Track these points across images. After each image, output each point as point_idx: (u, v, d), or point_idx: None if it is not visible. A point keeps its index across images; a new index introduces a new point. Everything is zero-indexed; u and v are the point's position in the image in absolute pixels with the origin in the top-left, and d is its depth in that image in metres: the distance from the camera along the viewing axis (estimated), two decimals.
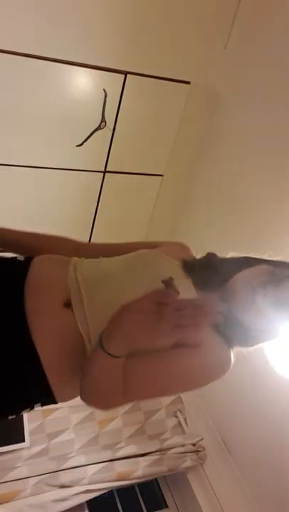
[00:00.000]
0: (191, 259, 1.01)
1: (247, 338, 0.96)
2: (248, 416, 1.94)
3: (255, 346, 0.99)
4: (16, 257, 0.99)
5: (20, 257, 0.98)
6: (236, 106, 2.00)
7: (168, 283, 0.77)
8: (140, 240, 1.12)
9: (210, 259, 1.01)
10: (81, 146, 1.97)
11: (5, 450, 1.74)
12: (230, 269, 0.96)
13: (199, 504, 1.90)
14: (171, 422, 2.16)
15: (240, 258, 1.01)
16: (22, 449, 1.78)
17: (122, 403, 0.87)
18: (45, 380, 0.85)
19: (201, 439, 2.05)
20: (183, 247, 1.07)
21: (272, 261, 0.99)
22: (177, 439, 2.01)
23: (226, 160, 2.10)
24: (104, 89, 1.85)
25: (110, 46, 1.77)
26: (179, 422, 2.15)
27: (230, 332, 0.92)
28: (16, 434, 1.79)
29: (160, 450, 1.96)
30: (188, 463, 1.95)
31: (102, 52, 1.77)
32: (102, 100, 1.87)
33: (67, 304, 0.87)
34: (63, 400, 0.92)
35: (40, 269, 0.95)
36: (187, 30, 1.85)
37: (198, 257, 1.04)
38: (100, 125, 1.94)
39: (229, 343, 0.93)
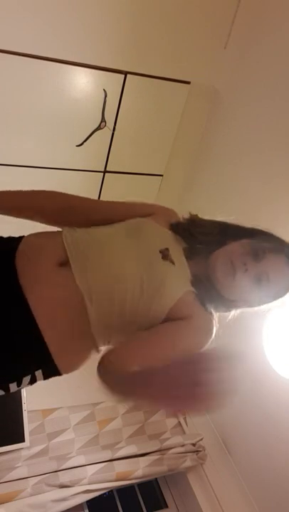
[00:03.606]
0: (179, 226, 1.03)
1: (223, 305, 1.00)
2: (248, 416, 1.94)
3: (230, 312, 1.03)
4: (10, 236, 1.00)
5: (15, 236, 1.00)
6: (236, 106, 2.00)
7: (165, 253, 0.89)
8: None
9: (194, 219, 1.05)
10: (81, 146, 1.97)
11: (5, 450, 1.74)
12: (215, 239, 1.00)
13: (199, 504, 1.90)
14: (171, 422, 2.15)
15: (225, 225, 1.04)
16: (22, 449, 1.78)
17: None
18: (43, 345, 0.84)
19: (201, 439, 2.05)
20: (174, 214, 1.10)
21: (256, 232, 1.02)
22: (177, 439, 2.01)
23: (225, 160, 2.10)
24: (104, 89, 1.85)
25: (110, 46, 1.77)
26: (179, 422, 2.15)
27: (207, 298, 0.96)
28: (16, 434, 1.79)
29: (160, 450, 1.95)
30: (188, 463, 1.95)
31: (102, 52, 1.77)
32: (102, 100, 1.87)
33: (63, 263, 0.87)
34: (65, 369, 0.90)
35: (32, 240, 0.96)
36: (187, 30, 1.85)
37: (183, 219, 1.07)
38: (99, 125, 1.94)
39: (205, 306, 0.96)
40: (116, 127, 1.98)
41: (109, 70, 1.81)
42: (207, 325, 0.94)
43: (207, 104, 2.09)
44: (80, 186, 2.14)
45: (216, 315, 0.98)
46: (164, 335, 0.89)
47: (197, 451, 2.01)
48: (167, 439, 2.01)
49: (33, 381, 0.90)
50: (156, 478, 2.10)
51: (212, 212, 1.07)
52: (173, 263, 0.92)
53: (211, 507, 1.88)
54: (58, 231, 0.98)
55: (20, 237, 0.98)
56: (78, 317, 0.85)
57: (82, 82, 1.81)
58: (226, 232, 1.01)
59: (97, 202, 1.15)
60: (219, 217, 1.06)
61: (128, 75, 1.85)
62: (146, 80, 1.90)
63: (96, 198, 2.22)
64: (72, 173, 2.06)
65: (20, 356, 0.86)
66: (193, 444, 2.02)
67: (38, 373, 0.88)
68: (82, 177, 2.10)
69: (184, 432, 2.11)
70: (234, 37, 1.91)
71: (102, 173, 2.14)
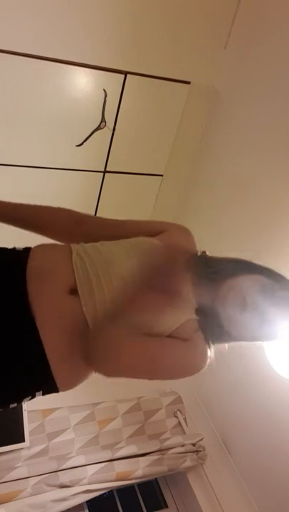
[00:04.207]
0: (192, 257, 1.01)
1: (219, 337, 0.99)
2: (247, 416, 1.94)
3: (225, 344, 1.03)
4: (14, 248, 1.00)
5: (19, 248, 0.99)
6: (236, 106, 2.00)
7: None
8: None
9: (208, 259, 1.02)
10: (81, 146, 1.97)
11: (5, 450, 1.74)
12: (227, 270, 0.98)
13: (199, 504, 1.90)
14: (171, 422, 2.15)
15: (236, 261, 1.02)
16: (22, 449, 1.78)
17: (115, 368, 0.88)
18: (47, 367, 0.86)
19: (201, 439, 2.05)
20: (186, 236, 1.07)
21: (267, 270, 1.01)
22: (177, 439, 2.01)
23: (225, 160, 2.10)
24: (104, 89, 1.85)
25: (110, 46, 1.77)
26: (179, 422, 2.15)
27: (207, 328, 0.96)
28: (16, 434, 1.79)
29: (160, 450, 1.95)
30: (188, 463, 1.95)
31: (102, 52, 1.77)
32: (102, 100, 1.88)
33: (72, 291, 0.88)
34: (64, 387, 0.92)
35: (41, 256, 0.95)
36: (187, 30, 1.85)
37: (198, 253, 1.05)
38: (99, 125, 1.94)
39: (205, 336, 0.96)
40: (116, 127, 1.98)
41: (109, 70, 1.81)
42: (205, 352, 0.96)
43: (207, 104, 2.09)
44: (80, 186, 2.14)
45: (212, 347, 0.98)
46: (166, 344, 0.92)
47: (197, 451, 2.01)
48: (167, 439, 2.01)
49: (31, 399, 0.94)
50: (156, 478, 2.10)
51: (213, 213, 1.07)
52: None
53: (211, 507, 1.88)
54: (66, 248, 0.98)
55: (27, 249, 0.98)
56: (81, 338, 0.88)
57: (82, 82, 1.81)
58: (239, 266, 1.00)
59: (105, 222, 1.12)
60: (232, 254, 1.04)
61: (128, 75, 1.85)
62: (146, 80, 1.90)
63: (96, 198, 2.22)
64: (72, 173, 2.06)
65: (24, 381, 0.89)
66: (193, 444, 2.02)
67: (39, 393, 0.92)
68: (82, 177, 2.10)
69: (184, 432, 2.11)
70: (234, 37, 1.91)
71: (102, 173, 2.14)
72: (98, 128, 1.95)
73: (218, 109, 2.08)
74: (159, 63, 1.89)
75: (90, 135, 1.96)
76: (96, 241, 1.02)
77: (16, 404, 0.93)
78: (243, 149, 1.96)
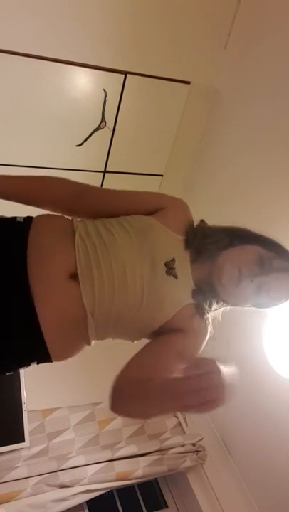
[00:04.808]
0: (191, 232, 1.01)
1: (217, 303, 1.02)
2: (247, 416, 1.94)
3: (221, 308, 1.05)
4: (15, 218, 0.97)
5: (20, 218, 0.97)
6: (236, 106, 2.00)
7: (169, 266, 0.91)
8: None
9: (205, 229, 1.02)
10: (81, 146, 1.97)
11: (5, 450, 1.74)
12: (224, 240, 0.99)
13: (199, 504, 1.90)
14: (171, 422, 2.15)
15: (234, 230, 1.03)
16: (22, 449, 1.78)
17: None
18: (44, 344, 0.88)
19: (201, 439, 2.05)
20: (185, 212, 1.06)
21: (264, 239, 1.01)
22: (177, 439, 2.01)
23: (225, 160, 2.10)
24: (104, 89, 1.85)
25: (110, 46, 1.77)
26: (179, 422, 2.15)
27: (204, 298, 0.99)
28: (16, 434, 1.79)
29: (160, 450, 1.95)
30: (188, 463, 1.95)
31: (102, 52, 1.77)
32: (102, 100, 1.88)
33: (73, 276, 0.88)
34: (57, 358, 0.94)
35: (43, 233, 0.93)
36: (187, 30, 1.85)
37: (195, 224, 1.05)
38: (99, 125, 1.94)
39: (202, 308, 0.98)
40: (116, 127, 1.98)
41: (109, 70, 1.81)
42: (203, 334, 0.98)
43: (207, 104, 2.09)
44: None
45: (210, 314, 1.00)
46: (169, 350, 0.94)
47: (197, 451, 2.01)
48: (167, 439, 2.01)
49: (27, 367, 0.95)
50: (156, 478, 2.10)
51: (213, 213, 1.07)
52: (176, 277, 0.93)
53: (211, 507, 1.88)
54: (68, 226, 0.96)
55: (28, 220, 0.96)
56: (78, 324, 0.90)
57: (82, 82, 1.81)
58: (235, 236, 1.00)
59: (107, 192, 1.10)
60: (228, 223, 1.05)
61: (128, 75, 1.85)
62: (146, 80, 1.90)
63: None
64: (72, 173, 2.06)
65: (20, 354, 0.91)
66: (193, 444, 2.02)
67: (33, 363, 0.93)
68: (82, 177, 2.10)
69: (184, 432, 2.11)
70: (234, 37, 1.91)
71: (102, 173, 2.14)
72: (98, 128, 1.95)
73: (218, 109, 2.08)
74: (159, 63, 1.89)
75: (90, 135, 1.96)
76: (98, 213, 1.01)
77: (11, 373, 0.95)
78: (243, 149, 1.96)
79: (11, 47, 1.62)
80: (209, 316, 1.00)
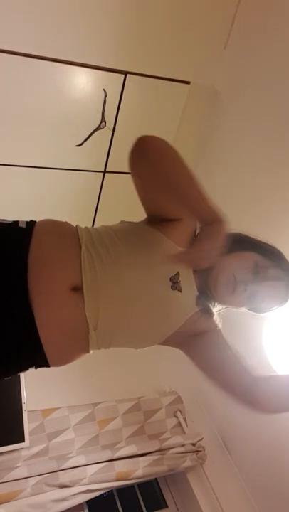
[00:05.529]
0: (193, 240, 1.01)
1: (215, 305, 1.06)
2: (247, 416, 1.93)
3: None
4: (17, 222, 0.95)
5: (22, 223, 0.94)
6: (236, 105, 2.00)
7: (174, 281, 0.93)
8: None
9: None
10: (81, 146, 1.97)
11: (5, 450, 1.74)
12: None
13: (199, 504, 1.90)
14: (171, 421, 2.15)
15: (232, 236, 1.01)
16: (22, 449, 1.78)
17: None
18: (42, 351, 0.87)
19: (201, 439, 2.05)
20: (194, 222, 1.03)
21: (264, 247, 1.03)
22: (177, 439, 2.01)
23: (225, 160, 2.10)
24: (104, 89, 1.85)
25: (110, 46, 1.77)
26: (179, 422, 2.15)
27: (208, 300, 1.02)
28: (16, 434, 1.79)
29: (160, 450, 1.95)
30: (188, 463, 1.95)
31: (102, 52, 1.77)
32: (102, 100, 1.87)
33: (76, 289, 0.86)
34: (55, 364, 0.94)
35: (46, 240, 0.91)
36: (187, 30, 1.85)
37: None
38: (99, 125, 1.94)
39: (206, 308, 1.02)
40: (116, 127, 1.98)
41: (109, 70, 1.81)
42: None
43: (207, 104, 2.09)
44: (80, 186, 2.14)
45: (216, 312, 1.04)
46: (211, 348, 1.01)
47: (197, 451, 2.01)
48: (167, 439, 2.01)
49: (24, 371, 0.96)
50: (156, 478, 2.10)
51: None
52: (180, 291, 0.94)
53: (211, 507, 1.88)
54: (74, 233, 0.94)
55: (30, 226, 0.93)
56: (79, 336, 0.90)
57: (82, 82, 1.81)
58: (235, 242, 1.00)
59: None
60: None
61: (128, 75, 1.85)
62: (146, 79, 1.90)
63: (96, 198, 2.22)
64: (72, 173, 2.06)
65: (19, 360, 0.91)
66: (193, 444, 2.02)
67: (31, 368, 0.94)
68: (82, 177, 2.10)
69: (184, 432, 2.11)
70: (234, 37, 1.91)
71: (102, 173, 2.14)
72: (98, 128, 1.95)
73: (218, 109, 2.08)
74: (159, 63, 1.89)
75: (90, 135, 1.96)
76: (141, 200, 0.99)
77: (10, 377, 0.96)
78: (243, 149, 1.96)
79: (11, 47, 1.62)
80: (216, 314, 1.04)
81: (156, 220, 0.99)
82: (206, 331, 1.01)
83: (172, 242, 0.95)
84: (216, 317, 1.04)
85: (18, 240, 0.89)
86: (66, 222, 0.99)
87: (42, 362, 0.90)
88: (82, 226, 0.99)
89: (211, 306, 1.03)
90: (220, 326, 1.04)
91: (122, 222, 1.07)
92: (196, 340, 0.99)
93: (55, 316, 0.86)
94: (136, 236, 0.96)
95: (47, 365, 0.92)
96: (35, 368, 0.93)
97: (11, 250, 0.87)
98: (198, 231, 1.00)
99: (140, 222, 1.04)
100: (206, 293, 1.00)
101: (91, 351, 0.94)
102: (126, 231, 0.97)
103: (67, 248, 0.90)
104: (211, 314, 1.02)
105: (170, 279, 0.93)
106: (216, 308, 1.05)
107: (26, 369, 0.93)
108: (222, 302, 1.02)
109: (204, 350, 1.00)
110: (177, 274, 0.95)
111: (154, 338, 0.97)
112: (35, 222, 0.95)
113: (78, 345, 0.91)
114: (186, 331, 0.98)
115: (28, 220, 0.96)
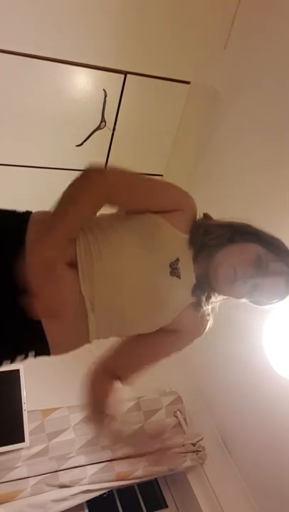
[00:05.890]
0: (194, 231, 1.00)
1: (214, 296, 1.04)
2: (248, 416, 1.94)
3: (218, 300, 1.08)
4: (14, 211, 0.99)
5: (19, 211, 0.98)
6: (236, 105, 2.00)
7: (173, 267, 0.93)
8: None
9: (208, 226, 1.01)
10: (81, 146, 1.97)
11: (5, 450, 1.74)
12: (224, 237, 0.99)
13: (199, 504, 1.90)
14: (171, 422, 2.15)
15: (235, 226, 1.02)
16: (22, 449, 1.78)
17: None
18: (41, 329, 0.87)
19: (201, 439, 2.05)
20: (193, 210, 1.04)
21: (268, 239, 1.00)
22: (177, 439, 2.01)
23: (225, 160, 2.10)
24: (104, 89, 1.85)
25: (110, 46, 1.77)
26: (179, 422, 2.15)
27: (203, 293, 1.01)
28: (16, 434, 1.79)
29: (160, 450, 1.95)
30: (188, 463, 1.95)
31: (102, 52, 1.77)
32: (102, 100, 1.88)
33: (72, 264, 0.87)
34: (56, 352, 0.94)
35: (40, 224, 0.92)
36: (187, 30, 1.85)
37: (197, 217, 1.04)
38: (99, 125, 1.94)
39: (200, 302, 1.01)
40: (116, 127, 1.98)
41: (109, 70, 1.81)
42: (197, 332, 1.05)
43: (207, 104, 2.09)
44: None
45: (209, 306, 1.03)
46: (161, 348, 1.04)
47: (197, 451, 2.00)
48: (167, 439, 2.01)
49: (25, 359, 0.94)
50: (156, 478, 2.10)
51: (213, 213, 1.07)
52: (179, 277, 0.94)
53: (211, 507, 1.88)
54: None
55: (27, 213, 0.97)
56: (78, 320, 0.89)
57: (82, 82, 1.81)
58: (237, 232, 1.00)
59: (134, 196, 1.00)
60: (235, 219, 1.05)
61: (128, 75, 1.85)
62: (146, 79, 1.90)
63: None
64: (72, 173, 2.05)
65: (21, 341, 0.91)
66: (193, 444, 2.01)
67: (31, 353, 0.93)
68: None
69: (184, 432, 2.11)
70: (234, 37, 1.91)
71: None
72: (98, 128, 1.95)
73: (218, 109, 2.08)
74: (159, 63, 1.89)
75: (90, 135, 1.96)
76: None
77: (9, 362, 0.93)
78: (243, 149, 1.96)
79: (11, 47, 1.62)
80: (209, 308, 1.02)
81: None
82: (176, 330, 1.00)
83: (172, 226, 0.95)
84: (205, 312, 1.02)
85: (16, 226, 0.92)
86: None
87: (42, 346, 0.90)
88: None
89: (203, 299, 1.01)
90: (211, 321, 1.04)
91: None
92: (158, 334, 0.99)
93: (53, 290, 0.84)
94: (134, 220, 0.95)
95: (47, 351, 0.91)
96: (35, 356, 0.92)
97: (6, 240, 0.89)
98: (198, 217, 1.02)
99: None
100: (205, 283, 0.99)
101: (91, 340, 0.94)
102: (125, 217, 0.97)
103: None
104: (199, 308, 1.01)
105: (169, 265, 0.93)
106: (215, 300, 1.03)
107: (26, 353, 0.92)
108: (222, 293, 1.01)
109: (151, 346, 1.03)
110: (177, 260, 0.94)
111: (149, 324, 0.97)
112: (30, 213, 1.00)
113: (78, 327, 0.90)
114: (171, 326, 0.98)
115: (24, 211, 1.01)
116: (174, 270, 0.93)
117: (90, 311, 0.88)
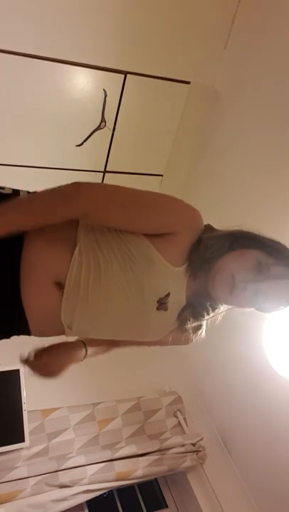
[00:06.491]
0: (194, 257, 0.95)
1: (213, 308, 1.04)
2: (248, 416, 1.94)
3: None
4: (18, 191, 1.03)
5: (23, 193, 1.02)
6: (236, 105, 2.00)
7: (161, 302, 0.91)
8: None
9: (208, 241, 0.96)
10: (81, 146, 1.97)
11: (5, 450, 1.74)
12: (223, 247, 0.95)
13: (199, 504, 1.90)
14: (171, 421, 2.15)
15: (235, 234, 0.98)
16: (22, 449, 1.78)
17: None
18: (26, 323, 0.93)
19: (201, 439, 2.05)
20: (193, 231, 0.96)
21: (268, 244, 0.96)
22: (177, 439, 2.01)
23: (226, 160, 2.10)
24: (104, 89, 1.85)
25: (110, 46, 1.77)
26: (179, 422, 2.15)
27: (201, 308, 1.00)
28: (16, 434, 1.79)
29: (160, 450, 1.95)
30: (188, 463, 1.95)
31: (102, 52, 1.77)
32: (102, 100, 1.88)
33: (58, 285, 0.89)
34: (36, 334, 0.99)
35: (42, 233, 0.93)
36: (187, 30, 1.85)
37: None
38: (99, 125, 1.94)
39: (184, 321, 1.01)
40: (116, 127, 1.98)
41: (109, 70, 1.81)
42: (187, 341, 1.08)
43: (207, 104, 2.09)
44: None
45: (196, 323, 1.01)
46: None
47: (197, 451, 2.00)
48: (167, 439, 2.01)
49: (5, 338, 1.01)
50: (156, 478, 2.10)
51: (213, 213, 1.06)
52: (166, 310, 0.93)
53: (211, 507, 1.88)
54: (73, 228, 0.94)
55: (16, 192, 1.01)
56: (57, 327, 0.94)
57: (82, 82, 1.81)
58: (236, 239, 0.97)
59: (114, 221, 0.96)
60: (234, 226, 1.01)
61: (128, 75, 1.85)
62: (146, 79, 1.90)
63: None
64: (72, 173, 2.07)
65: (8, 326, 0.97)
66: (193, 444, 2.02)
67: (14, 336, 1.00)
68: (82, 177, 2.10)
69: (184, 432, 2.11)
70: (234, 37, 1.91)
71: (102, 173, 2.14)
72: (98, 128, 1.95)
73: (218, 109, 2.08)
74: (159, 63, 1.89)
75: (90, 135, 1.96)
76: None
77: None
78: (243, 149, 1.96)
79: (11, 47, 1.62)
80: (197, 323, 1.01)
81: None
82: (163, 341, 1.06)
83: (164, 259, 0.91)
84: (190, 329, 1.01)
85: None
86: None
87: (24, 328, 0.94)
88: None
89: (188, 317, 0.99)
90: (200, 335, 1.04)
91: None
92: None
93: (39, 305, 0.91)
94: (131, 251, 0.90)
95: (28, 332, 0.96)
96: (18, 335, 0.97)
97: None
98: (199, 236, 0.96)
99: None
100: (204, 296, 0.96)
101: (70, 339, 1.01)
102: (121, 244, 0.91)
103: (62, 244, 0.92)
104: (184, 327, 1.00)
105: (158, 301, 0.91)
106: (218, 311, 1.02)
107: (9, 335, 0.98)
108: (223, 302, 0.98)
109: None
110: (167, 294, 0.91)
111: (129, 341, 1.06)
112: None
113: (57, 329, 0.95)
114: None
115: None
116: (161, 305, 0.92)
117: (67, 328, 0.93)
